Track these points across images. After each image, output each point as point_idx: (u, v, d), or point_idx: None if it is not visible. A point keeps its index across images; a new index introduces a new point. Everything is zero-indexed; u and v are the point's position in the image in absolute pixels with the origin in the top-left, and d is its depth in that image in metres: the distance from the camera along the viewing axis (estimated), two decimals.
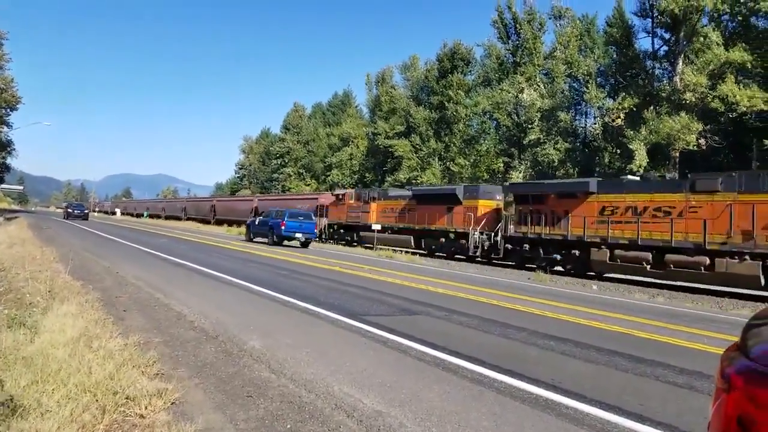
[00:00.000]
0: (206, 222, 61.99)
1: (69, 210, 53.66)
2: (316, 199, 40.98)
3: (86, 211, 54.96)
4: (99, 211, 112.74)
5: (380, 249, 29.13)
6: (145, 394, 3.95)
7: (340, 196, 36.32)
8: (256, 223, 30.78)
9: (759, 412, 1.25)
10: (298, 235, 27.58)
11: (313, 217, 31.20)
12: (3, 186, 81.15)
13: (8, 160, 67.06)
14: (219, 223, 58.00)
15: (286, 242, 28.02)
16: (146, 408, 3.78)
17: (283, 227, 27.24)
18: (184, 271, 13.52)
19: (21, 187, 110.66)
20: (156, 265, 14.59)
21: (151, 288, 9.84)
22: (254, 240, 30.04)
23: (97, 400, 3.73)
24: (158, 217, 79.80)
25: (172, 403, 3.99)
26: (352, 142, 68.87)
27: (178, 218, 72.19)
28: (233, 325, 7.02)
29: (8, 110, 56.31)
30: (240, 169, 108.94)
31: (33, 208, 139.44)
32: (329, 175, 70.24)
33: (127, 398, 3.86)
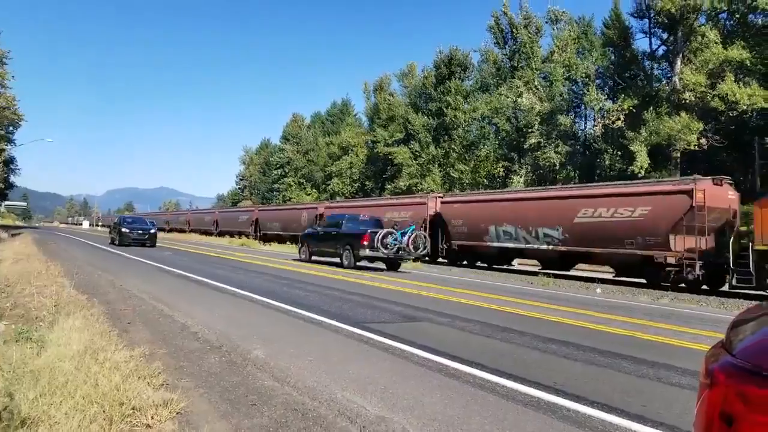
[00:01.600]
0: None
1: (123, 229, 30.47)
2: (688, 191, 18.13)
3: (153, 231, 31.68)
4: (102, 225, 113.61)
5: None
6: (151, 404, 4.01)
7: None
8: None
9: (741, 406, 1.29)
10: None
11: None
12: (7, 203, 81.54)
13: (11, 178, 67.15)
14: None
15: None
16: (152, 418, 3.84)
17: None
18: (187, 282, 13.58)
19: (24, 204, 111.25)
20: (159, 277, 14.65)
21: (155, 300, 9.90)
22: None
23: (104, 411, 3.78)
24: (181, 231, 68.80)
25: (178, 413, 4.04)
26: (352, 150, 68.94)
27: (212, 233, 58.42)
28: (236, 335, 7.06)
29: (11, 128, 56.42)
30: (241, 180, 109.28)
31: (37, 224, 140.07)
32: (329, 184, 70.34)
33: (133, 409, 3.92)
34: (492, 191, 32.04)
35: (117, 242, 30.46)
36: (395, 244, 20.55)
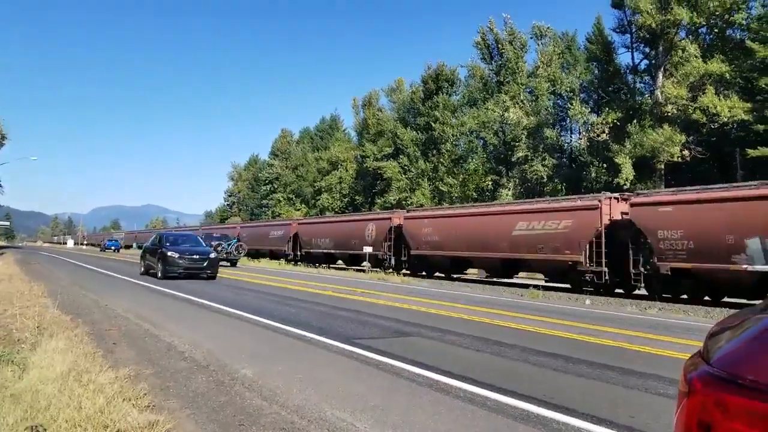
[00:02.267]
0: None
1: (169, 253, 20.22)
2: None
3: (214, 256, 21.49)
4: (88, 244, 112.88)
5: None
6: (137, 426, 3.93)
7: None
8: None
9: (718, 414, 1.31)
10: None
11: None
12: None
13: None
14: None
15: None
16: None
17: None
18: (174, 301, 13.44)
19: (8, 223, 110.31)
20: (145, 296, 14.50)
21: (141, 320, 9.78)
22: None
23: None
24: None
25: None
26: (341, 165, 69.18)
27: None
28: (224, 354, 6.99)
29: None
30: (229, 196, 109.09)
31: (20, 244, 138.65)
32: (319, 200, 70.41)
33: (118, 431, 3.84)
34: (743, 185, 17.99)
35: (160, 274, 19.86)
36: (224, 250, 33.83)
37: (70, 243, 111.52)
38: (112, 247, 69.20)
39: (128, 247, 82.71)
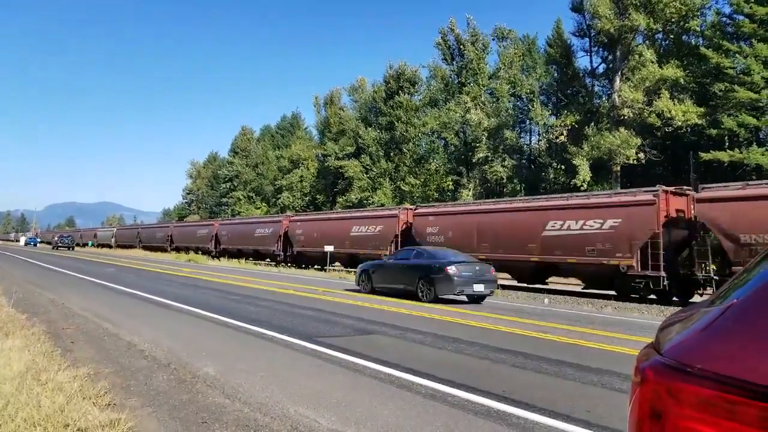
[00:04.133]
0: None
1: None
2: None
3: None
4: (41, 242, 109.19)
5: None
6: (98, 425, 3.90)
7: None
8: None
9: (669, 401, 1.40)
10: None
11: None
12: None
13: None
14: None
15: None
16: None
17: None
18: (132, 299, 13.21)
19: None
20: (103, 294, 14.21)
21: (99, 318, 9.60)
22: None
23: None
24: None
25: None
26: (302, 164, 68.71)
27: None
28: (185, 352, 6.93)
29: None
30: (188, 194, 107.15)
31: None
32: (279, 198, 69.80)
33: (78, 430, 3.80)
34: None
35: None
36: (66, 241, 62.87)
37: (23, 240, 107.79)
38: (31, 243, 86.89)
39: (122, 246, 68.95)
